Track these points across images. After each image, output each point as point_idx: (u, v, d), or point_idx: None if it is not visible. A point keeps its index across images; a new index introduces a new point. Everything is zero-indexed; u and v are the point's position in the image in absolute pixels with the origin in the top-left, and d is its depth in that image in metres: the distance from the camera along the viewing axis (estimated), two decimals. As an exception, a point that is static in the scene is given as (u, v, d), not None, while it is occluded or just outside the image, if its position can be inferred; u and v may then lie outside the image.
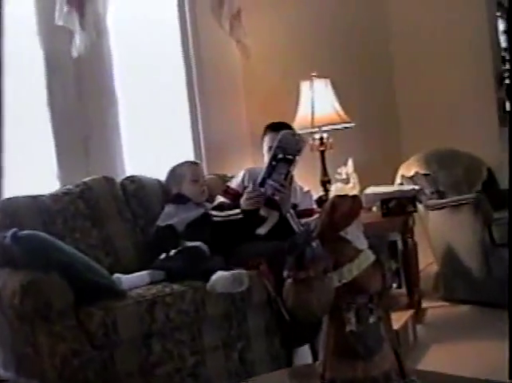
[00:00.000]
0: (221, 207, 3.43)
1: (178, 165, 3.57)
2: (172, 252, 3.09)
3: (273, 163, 3.26)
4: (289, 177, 3.31)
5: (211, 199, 3.57)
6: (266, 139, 3.52)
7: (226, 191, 3.52)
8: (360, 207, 2.27)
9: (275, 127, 3.53)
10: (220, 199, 3.50)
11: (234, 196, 3.45)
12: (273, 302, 3.00)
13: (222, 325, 2.95)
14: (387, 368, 1.68)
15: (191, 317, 2.85)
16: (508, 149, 2.84)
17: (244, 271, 2.92)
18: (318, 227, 1.72)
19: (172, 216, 3.35)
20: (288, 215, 3.37)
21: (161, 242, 3.20)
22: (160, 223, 3.35)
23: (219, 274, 2.89)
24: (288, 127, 3.57)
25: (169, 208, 3.42)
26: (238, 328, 3.00)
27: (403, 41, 4.66)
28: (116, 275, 2.89)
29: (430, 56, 4.62)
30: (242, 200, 3.35)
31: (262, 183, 3.27)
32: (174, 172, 3.54)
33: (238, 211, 3.34)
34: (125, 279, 2.89)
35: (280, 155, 3.26)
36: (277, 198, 3.31)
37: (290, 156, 3.25)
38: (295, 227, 3.27)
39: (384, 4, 4.73)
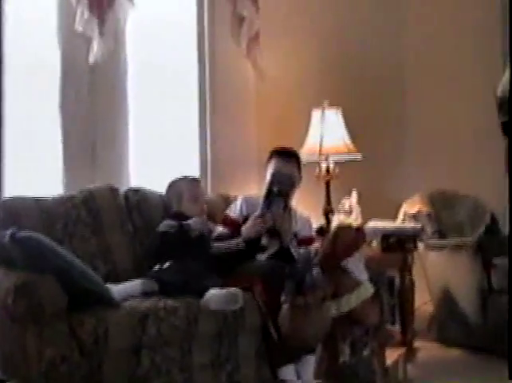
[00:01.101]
0: (220, 238, 3.44)
1: (177, 180, 3.53)
2: (166, 264, 3.10)
3: (270, 198, 3.38)
4: (287, 209, 3.42)
5: (212, 217, 3.58)
6: (271, 163, 3.55)
7: (225, 221, 3.53)
8: (364, 240, 2.30)
9: (282, 153, 3.57)
10: (219, 229, 3.51)
11: (234, 226, 3.47)
12: (263, 320, 2.98)
13: (213, 345, 2.97)
14: (376, 402, 1.70)
15: (182, 333, 2.87)
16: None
17: (239, 290, 2.94)
18: (320, 254, 1.75)
19: (173, 226, 3.32)
20: (290, 245, 3.39)
21: (161, 245, 3.20)
22: (160, 228, 3.31)
23: (214, 291, 2.92)
24: (294, 154, 3.62)
25: (168, 221, 3.38)
26: (229, 349, 3.01)
27: (416, 75, 4.69)
28: (108, 286, 2.90)
29: (444, 93, 4.67)
30: (246, 228, 3.37)
31: (262, 216, 3.36)
32: (173, 188, 3.51)
33: (239, 240, 3.37)
34: (116, 290, 2.90)
35: (275, 190, 3.38)
36: (278, 228, 3.36)
37: (284, 191, 3.38)
38: (296, 255, 3.29)
39: (399, 34, 4.77)
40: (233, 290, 2.93)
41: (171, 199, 3.50)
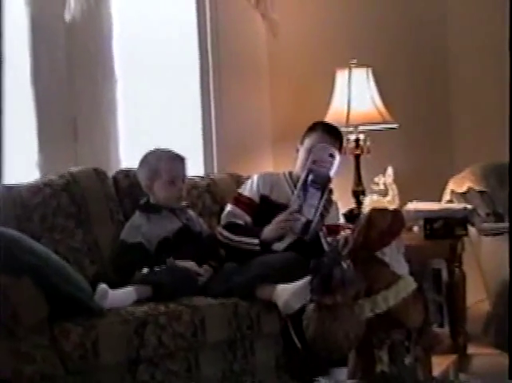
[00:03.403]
0: (235, 227, 3.50)
1: (154, 154, 3.43)
2: (156, 268, 3.13)
3: (305, 186, 3.43)
4: (322, 201, 3.43)
5: (193, 203, 3.61)
6: (312, 137, 3.59)
7: (238, 200, 3.58)
8: (402, 225, 2.29)
9: (329, 128, 3.64)
10: (229, 208, 3.57)
11: (248, 206, 3.54)
12: (284, 325, 3.03)
13: (224, 355, 2.98)
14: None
15: (188, 343, 2.88)
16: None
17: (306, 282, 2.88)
18: (350, 244, 1.74)
19: (142, 229, 3.31)
20: (320, 233, 3.43)
21: (130, 261, 3.20)
22: (127, 237, 3.31)
23: (282, 289, 2.96)
24: (340, 134, 3.70)
25: (138, 217, 3.38)
26: (244, 360, 3.03)
27: (462, 30, 4.66)
28: (103, 287, 2.89)
29: (494, 48, 4.62)
30: (269, 229, 3.42)
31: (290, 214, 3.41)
32: (147, 164, 3.42)
33: (255, 241, 3.41)
34: (112, 295, 2.89)
35: (310, 179, 3.42)
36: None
37: (320, 185, 3.42)
38: (325, 245, 3.32)
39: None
40: (301, 283, 2.88)
41: (142, 177, 3.42)
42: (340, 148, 3.65)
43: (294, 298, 2.86)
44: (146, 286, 3.02)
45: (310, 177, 3.42)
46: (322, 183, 3.42)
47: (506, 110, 4.52)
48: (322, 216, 3.44)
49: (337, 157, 3.52)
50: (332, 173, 3.48)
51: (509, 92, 3.09)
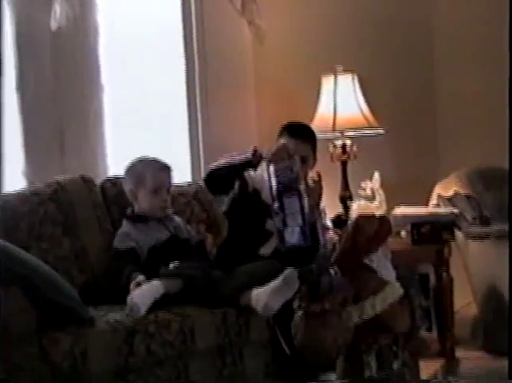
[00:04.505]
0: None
1: (139, 163, 3.41)
2: (171, 265, 3.11)
3: (280, 199, 3.30)
4: (303, 203, 3.32)
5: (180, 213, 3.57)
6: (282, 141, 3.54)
7: None
8: (389, 231, 2.31)
9: (295, 131, 3.55)
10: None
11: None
12: (272, 332, 3.04)
13: (214, 363, 3.00)
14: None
15: (177, 351, 2.89)
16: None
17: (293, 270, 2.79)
18: (338, 251, 1.76)
19: (132, 236, 3.32)
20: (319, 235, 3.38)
21: (125, 266, 3.16)
22: (119, 244, 3.31)
23: (258, 292, 2.93)
24: (311, 133, 3.62)
25: (126, 226, 3.38)
26: (232, 366, 3.04)
27: (449, 35, 4.69)
28: (134, 301, 2.87)
29: (479, 55, 4.66)
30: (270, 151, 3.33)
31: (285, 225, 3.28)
32: (133, 172, 3.40)
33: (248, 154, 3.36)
34: (140, 295, 2.88)
35: (280, 188, 3.29)
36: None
37: (292, 190, 3.29)
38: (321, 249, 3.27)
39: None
40: (275, 283, 2.85)
41: (127, 185, 3.41)
42: (314, 147, 3.58)
43: (272, 299, 2.83)
44: (175, 279, 3.02)
45: (280, 188, 3.28)
46: (292, 187, 3.29)
47: (493, 115, 4.59)
48: (312, 209, 3.35)
49: (296, 158, 3.36)
50: (295, 172, 3.31)
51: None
